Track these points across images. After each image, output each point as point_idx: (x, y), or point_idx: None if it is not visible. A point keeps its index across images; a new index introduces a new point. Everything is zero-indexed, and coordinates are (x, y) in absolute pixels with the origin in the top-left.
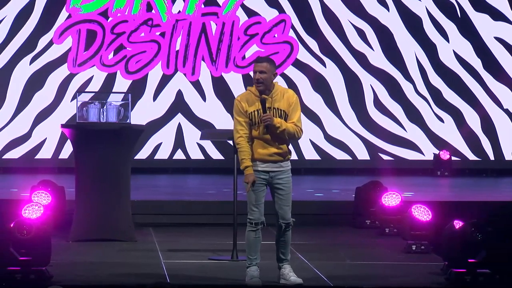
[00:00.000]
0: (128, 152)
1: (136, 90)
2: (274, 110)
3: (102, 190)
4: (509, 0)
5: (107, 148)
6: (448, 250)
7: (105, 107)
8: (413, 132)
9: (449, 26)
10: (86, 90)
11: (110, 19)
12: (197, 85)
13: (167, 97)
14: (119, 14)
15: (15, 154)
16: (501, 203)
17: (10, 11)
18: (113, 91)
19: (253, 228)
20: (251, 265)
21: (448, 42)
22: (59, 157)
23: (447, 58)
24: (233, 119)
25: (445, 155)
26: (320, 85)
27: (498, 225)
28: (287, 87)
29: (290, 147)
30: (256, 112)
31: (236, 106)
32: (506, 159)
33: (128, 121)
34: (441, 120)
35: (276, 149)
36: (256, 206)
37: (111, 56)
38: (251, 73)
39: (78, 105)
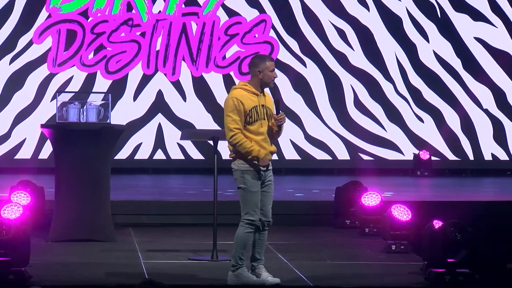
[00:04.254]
0: (108, 152)
1: (116, 90)
2: (266, 109)
3: (82, 190)
4: (489, 0)
5: (87, 148)
6: (427, 249)
7: (85, 107)
8: (393, 132)
9: (429, 26)
10: (66, 90)
11: (90, 19)
12: (177, 85)
13: (147, 97)
14: (99, 14)
15: None
16: (481, 203)
17: None
18: (93, 91)
19: (252, 229)
20: (243, 266)
21: (428, 42)
22: (39, 157)
23: (427, 58)
24: (225, 117)
25: (425, 155)
26: (301, 85)
27: (478, 225)
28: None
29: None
30: (254, 109)
31: (233, 104)
32: (486, 159)
33: (108, 121)
34: (421, 120)
35: (270, 148)
36: (257, 207)
37: (91, 56)
38: (232, 73)
39: (58, 105)
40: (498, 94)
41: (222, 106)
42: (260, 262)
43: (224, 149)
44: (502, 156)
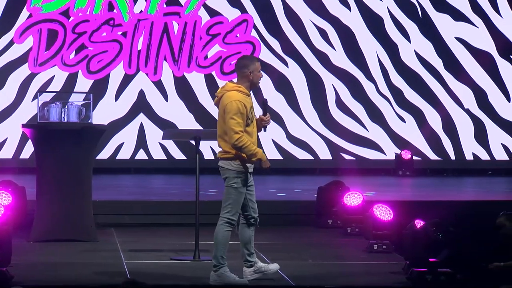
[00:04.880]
0: (90, 152)
1: (98, 90)
2: (253, 109)
3: (64, 190)
4: (470, 0)
5: (68, 148)
6: (409, 249)
7: (66, 107)
8: (375, 132)
9: (410, 26)
10: (47, 90)
11: (71, 18)
12: (159, 85)
13: (129, 97)
14: (80, 14)
15: None
16: (462, 203)
17: None
18: (74, 91)
19: (231, 228)
20: (225, 265)
21: (410, 42)
22: (20, 157)
23: (408, 58)
24: (228, 120)
25: (406, 155)
26: (283, 85)
27: (459, 224)
28: None
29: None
30: (250, 111)
31: (238, 107)
32: (467, 158)
33: (89, 121)
34: (403, 120)
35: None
36: (240, 208)
37: (72, 55)
38: (214, 73)
39: (39, 105)
40: (479, 94)
41: (204, 105)
42: (255, 256)
43: (206, 149)
44: (484, 156)
